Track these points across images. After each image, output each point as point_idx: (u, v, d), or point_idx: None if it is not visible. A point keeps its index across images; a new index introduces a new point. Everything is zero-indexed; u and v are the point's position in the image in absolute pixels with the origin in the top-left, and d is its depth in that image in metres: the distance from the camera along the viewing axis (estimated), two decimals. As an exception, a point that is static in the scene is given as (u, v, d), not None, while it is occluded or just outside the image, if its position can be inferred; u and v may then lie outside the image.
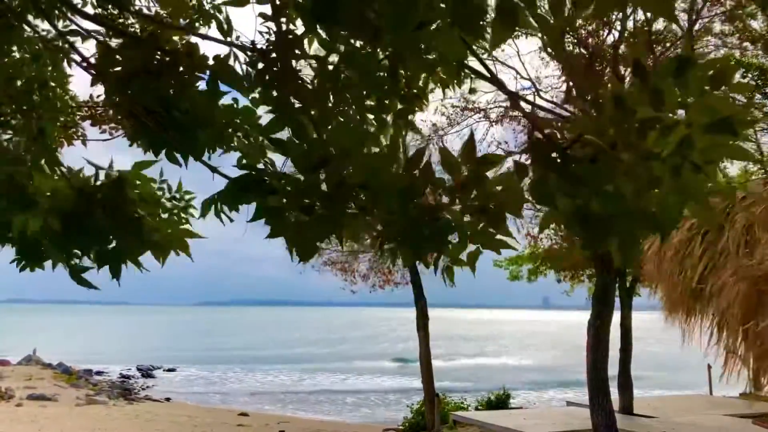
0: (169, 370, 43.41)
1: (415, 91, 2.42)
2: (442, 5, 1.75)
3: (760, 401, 16.99)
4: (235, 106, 2.44)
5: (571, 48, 14.33)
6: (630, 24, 14.01)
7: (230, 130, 2.35)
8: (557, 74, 15.66)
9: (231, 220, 2.27)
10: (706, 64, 1.75)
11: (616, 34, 14.09)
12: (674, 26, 14.40)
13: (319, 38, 2.11)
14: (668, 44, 14.89)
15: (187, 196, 2.65)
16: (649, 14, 13.23)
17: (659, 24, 14.35)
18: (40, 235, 2.21)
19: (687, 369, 20.20)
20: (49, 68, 4.06)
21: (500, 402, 18.72)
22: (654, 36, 14.42)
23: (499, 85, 3.22)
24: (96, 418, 20.60)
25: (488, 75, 2.33)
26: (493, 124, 16.52)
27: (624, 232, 1.83)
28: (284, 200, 2.11)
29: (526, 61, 15.80)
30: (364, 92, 2.28)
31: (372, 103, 2.43)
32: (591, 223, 1.87)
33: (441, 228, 2.13)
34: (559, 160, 1.83)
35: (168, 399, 29.12)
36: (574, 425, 13.91)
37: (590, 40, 14.17)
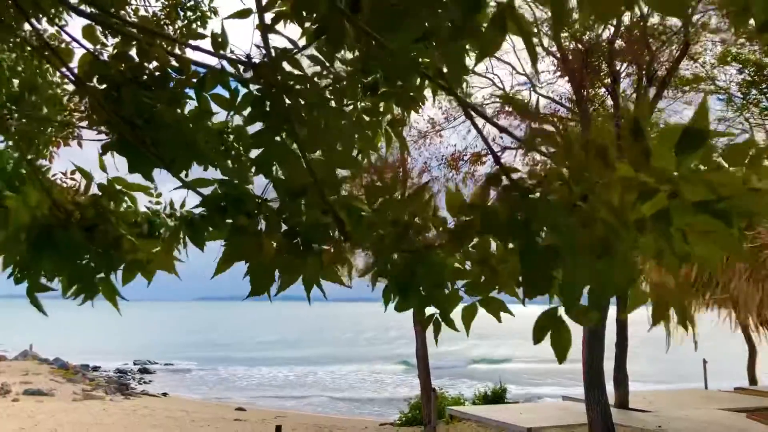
0: (166, 365, 43.41)
1: (411, 93, 2.38)
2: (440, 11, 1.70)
3: (755, 395, 17.10)
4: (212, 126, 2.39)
5: (567, 44, 14.33)
6: (626, 19, 14.02)
7: (211, 148, 2.29)
8: (553, 69, 15.65)
9: (201, 249, 2.17)
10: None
11: (612, 30, 14.10)
12: (670, 22, 14.43)
13: (308, 56, 2.07)
14: (664, 39, 14.91)
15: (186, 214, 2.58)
16: (645, 9, 13.24)
17: (655, 19, 14.37)
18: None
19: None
20: (43, 70, 4.05)
21: (496, 396, 18.77)
22: (650, 31, 14.43)
23: (464, 106, 3.00)
24: (93, 413, 20.61)
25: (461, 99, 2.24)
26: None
27: (567, 274, 1.64)
28: (262, 225, 2.03)
29: (522, 56, 15.76)
30: (358, 97, 2.25)
31: (367, 104, 2.40)
32: (531, 259, 1.70)
33: (430, 267, 1.96)
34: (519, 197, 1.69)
35: (165, 394, 29.12)
36: (569, 420, 13.98)
37: (586, 35, 14.16)
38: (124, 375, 36.72)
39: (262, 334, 78.77)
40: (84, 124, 5.99)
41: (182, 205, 2.74)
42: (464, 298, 2.03)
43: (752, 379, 19.55)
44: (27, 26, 3.28)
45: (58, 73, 4.55)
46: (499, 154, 14.35)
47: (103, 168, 2.35)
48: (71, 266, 2.19)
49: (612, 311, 13.98)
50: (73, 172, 3.55)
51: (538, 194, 1.71)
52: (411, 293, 2.00)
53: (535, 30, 13.55)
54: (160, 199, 2.72)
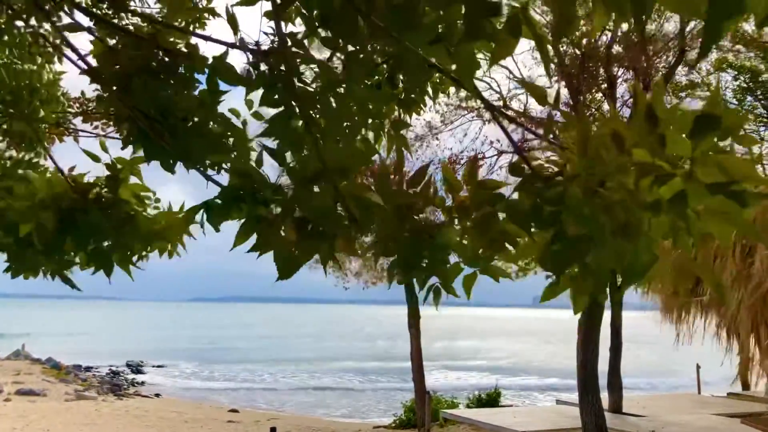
0: (159, 366, 43.23)
1: (412, 95, 2.39)
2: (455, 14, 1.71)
3: (748, 400, 17.15)
4: (230, 118, 2.42)
5: (565, 48, 14.37)
6: (624, 25, 14.08)
7: (227, 139, 2.33)
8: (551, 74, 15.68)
9: (217, 230, 2.22)
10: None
11: (609, 35, 14.15)
12: (666, 27, 14.49)
13: (321, 38, 2.09)
14: (660, 45, 14.98)
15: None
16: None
17: (651, 25, 14.41)
18: (31, 235, 2.20)
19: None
20: (40, 67, 4.03)
21: (491, 400, 18.77)
22: (647, 36, 14.49)
23: (486, 104, 3.11)
24: (85, 413, 20.52)
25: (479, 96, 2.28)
26: (487, 122, 16.53)
27: (596, 257, 1.69)
28: (277, 212, 2.08)
29: (518, 60, 15.78)
30: (363, 96, 2.25)
31: (370, 106, 2.40)
32: (563, 245, 1.74)
33: (437, 247, 2.05)
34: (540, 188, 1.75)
35: (158, 395, 29.00)
36: (563, 423, 13.99)
37: (584, 40, 14.21)
38: (117, 375, 36.54)
39: (259, 335, 78.34)
40: (79, 120, 5.97)
41: (181, 209, 2.75)
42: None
43: (745, 384, 19.58)
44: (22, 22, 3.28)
45: (55, 70, 4.53)
46: (495, 157, 14.20)
47: (104, 149, 2.41)
48: (91, 245, 2.27)
49: (607, 315, 14.01)
50: (71, 170, 3.54)
51: (558, 183, 1.75)
52: (416, 268, 2.12)
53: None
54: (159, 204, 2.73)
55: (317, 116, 2.04)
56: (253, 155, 2.34)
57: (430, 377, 20.71)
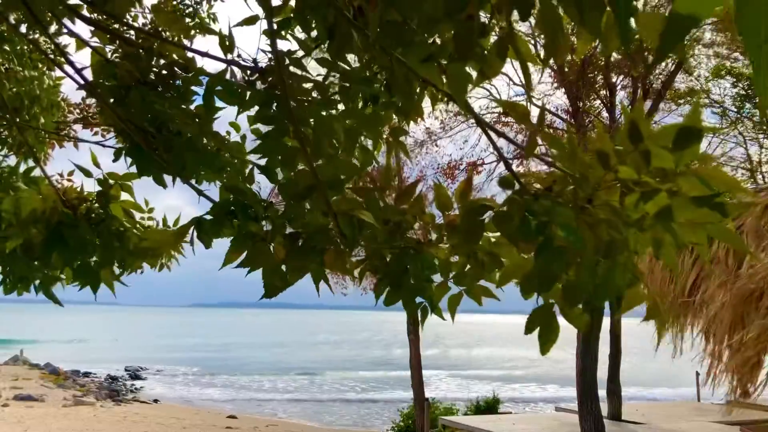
0: (158, 371, 43.11)
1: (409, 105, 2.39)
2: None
3: (747, 408, 17.11)
4: (226, 137, 2.44)
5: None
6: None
7: (220, 153, 2.34)
8: (550, 80, 15.73)
9: (207, 247, 2.21)
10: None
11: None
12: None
13: (317, 59, 2.09)
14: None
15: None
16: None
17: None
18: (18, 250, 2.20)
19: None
20: (39, 74, 4.05)
21: (489, 407, 18.73)
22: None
23: (476, 119, 3.08)
24: (83, 419, 20.47)
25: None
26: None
27: (577, 275, 1.68)
28: (268, 228, 2.08)
29: (518, 67, 15.79)
30: (359, 105, 2.27)
31: (366, 113, 2.41)
32: (547, 257, 1.71)
33: (424, 263, 2.04)
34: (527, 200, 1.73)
35: (156, 401, 28.92)
36: (562, 430, 13.95)
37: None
38: (115, 381, 36.44)
39: (262, 342, 77.99)
40: (79, 126, 5.99)
41: (176, 223, 2.74)
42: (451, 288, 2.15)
43: (745, 392, 19.53)
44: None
45: (55, 76, 4.55)
46: (493, 164, 14.24)
47: (96, 164, 2.41)
48: (78, 260, 2.26)
49: (605, 322, 13.99)
50: (70, 174, 3.55)
51: (546, 197, 1.75)
52: (402, 287, 2.08)
53: (532, 43, 13.62)
54: (153, 214, 2.73)
55: (311, 134, 2.05)
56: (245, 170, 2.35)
57: (442, 385, 20.55)
